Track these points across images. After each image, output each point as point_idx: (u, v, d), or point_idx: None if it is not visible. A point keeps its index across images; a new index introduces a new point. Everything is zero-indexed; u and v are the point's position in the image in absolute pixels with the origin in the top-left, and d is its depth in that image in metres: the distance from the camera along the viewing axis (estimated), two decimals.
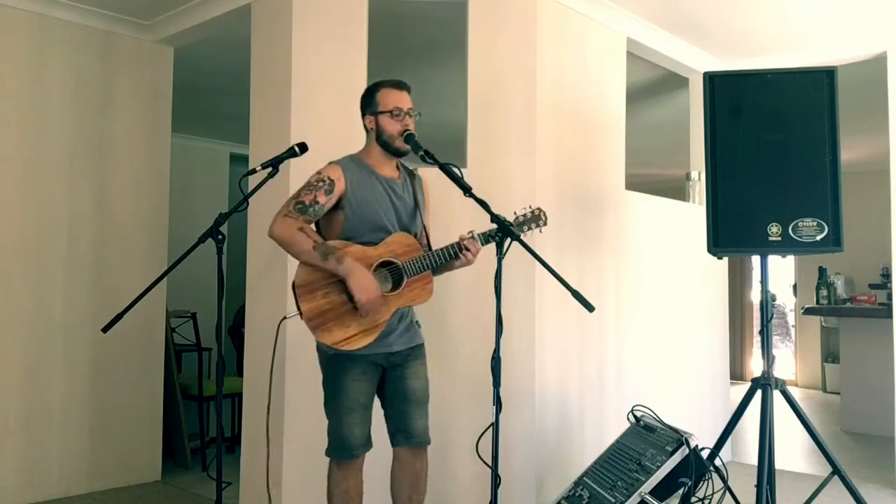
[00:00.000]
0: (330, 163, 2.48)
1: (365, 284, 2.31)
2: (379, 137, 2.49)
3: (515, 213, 2.49)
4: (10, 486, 3.68)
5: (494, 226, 2.34)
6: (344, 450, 2.44)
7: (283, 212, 2.39)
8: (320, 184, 2.40)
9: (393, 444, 2.53)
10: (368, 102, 2.53)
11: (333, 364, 2.45)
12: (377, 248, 2.41)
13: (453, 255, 2.40)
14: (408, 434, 2.49)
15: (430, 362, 2.61)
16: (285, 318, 2.65)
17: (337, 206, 2.44)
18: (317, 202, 2.38)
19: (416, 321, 2.59)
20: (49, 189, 3.87)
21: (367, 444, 2.49)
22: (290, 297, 3.22)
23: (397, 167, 2.59)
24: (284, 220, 2.38)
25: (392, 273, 2.41)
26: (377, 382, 2.51)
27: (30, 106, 3.82)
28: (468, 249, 2.40)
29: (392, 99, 2.48)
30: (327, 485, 2.49)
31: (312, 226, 2.44)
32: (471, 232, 2.41)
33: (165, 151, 4.33)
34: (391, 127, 2.46)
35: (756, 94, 2.97)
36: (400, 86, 2.51)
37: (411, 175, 2.61)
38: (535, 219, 2.50)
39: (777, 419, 2.93)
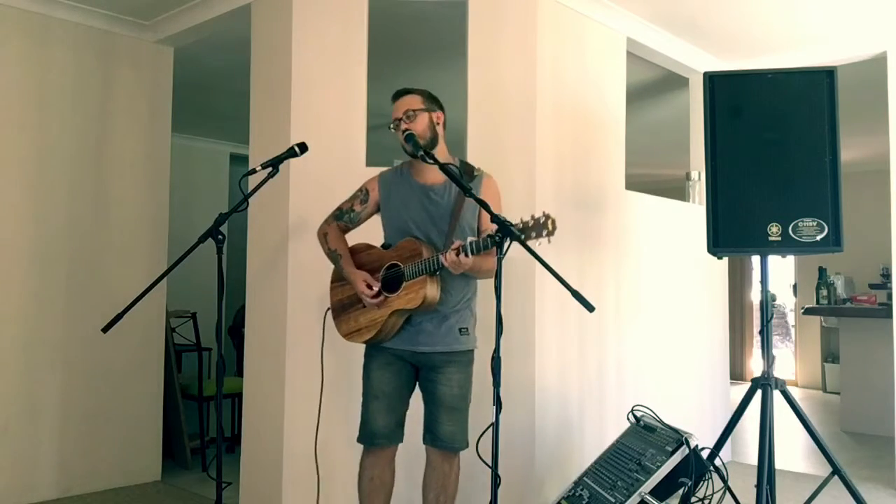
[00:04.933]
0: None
1: (359, 286, 2.51)
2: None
3: (521, 220, 2.23)
4: (9, 486, 3.68)
5: (488, 232, 2.25)
6: (366, 435, 2.56)
7: (327, 216, 2.69)
8: (358, 193, 2.66)
9: (424, 443, 2.59)
10: None
11: (366, 354, 2.64)
12: (390, 252, 2.53)
13: (438, 265, 2.33)
14: (434, 436, 2.54)
15: None
16: (329, 309, 2.70)
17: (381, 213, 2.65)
18: (352, 210, 2.65)
19: (463, 328, 2.54)
20: (49, 189, 3.87)
21: (392, 436, 2.56)
22: (289, 297, 3.23)
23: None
24: (322, 225, 2.68)
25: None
26: (405, 377, 2.58)
27: (30, 106, 3.81)
28: (447, 258, 2.28)
29: (393, 112, 2.55)
30: (359, 470, 2.60)
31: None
32: (468, 239, 2.32)
33: (165, 151, 4.33)
34: (398, 137, 2.51)
35: (756, 94, 2.97)
36: (394, 97, 2.58)
37: (467, 177, 2.51)
38: (540, 227, 2.14)
39: (777, 419, 2.93)
